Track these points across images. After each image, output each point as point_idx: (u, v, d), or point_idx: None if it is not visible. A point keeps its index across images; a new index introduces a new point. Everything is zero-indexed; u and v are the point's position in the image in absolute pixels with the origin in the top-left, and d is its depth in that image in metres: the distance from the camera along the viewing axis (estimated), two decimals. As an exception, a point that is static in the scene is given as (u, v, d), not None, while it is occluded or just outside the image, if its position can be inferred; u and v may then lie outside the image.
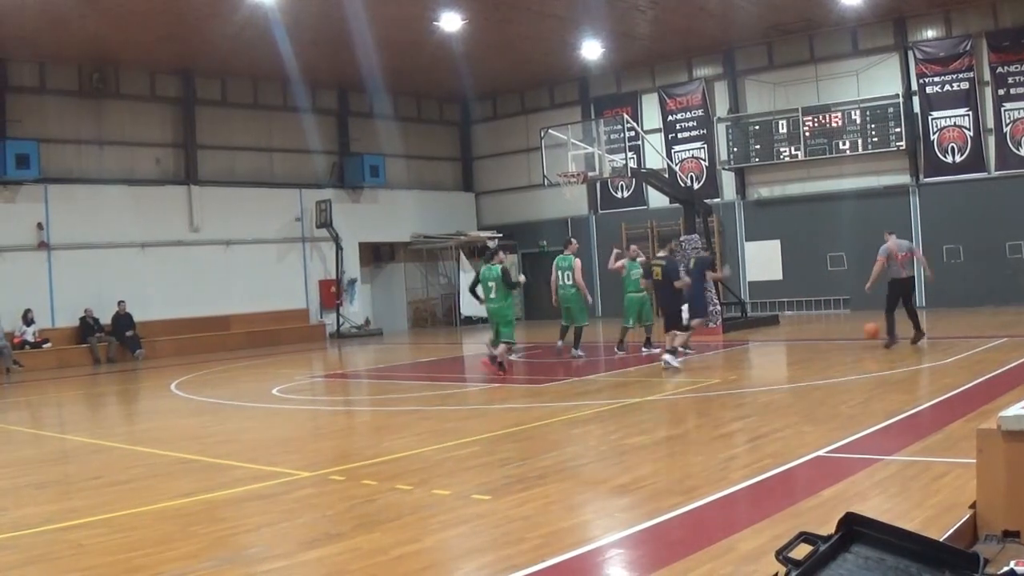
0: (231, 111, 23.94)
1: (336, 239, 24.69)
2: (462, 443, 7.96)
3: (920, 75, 20.94)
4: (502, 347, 13.12)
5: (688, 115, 24.52)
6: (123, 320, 20.58)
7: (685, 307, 12.84)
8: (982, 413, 7.41)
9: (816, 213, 22.29)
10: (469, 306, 26.46)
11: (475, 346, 19.67)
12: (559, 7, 19.32)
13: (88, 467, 7.99)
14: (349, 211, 25.43)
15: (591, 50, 22.86)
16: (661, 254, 13.12)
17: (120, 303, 20.48)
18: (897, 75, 21.33)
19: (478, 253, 28.30)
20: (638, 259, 15.46)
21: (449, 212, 28.25)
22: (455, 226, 27.84)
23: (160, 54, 20.97)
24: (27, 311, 19.42)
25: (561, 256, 15.21)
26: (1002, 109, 20.07)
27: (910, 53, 21.11)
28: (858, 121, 21.45)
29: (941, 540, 2.66)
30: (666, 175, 22.50)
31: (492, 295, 13.16)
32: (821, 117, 21.95)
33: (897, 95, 21.12)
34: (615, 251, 16.57)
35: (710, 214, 21.26)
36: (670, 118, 24.77)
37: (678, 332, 12.83)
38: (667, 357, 12.40)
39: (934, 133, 20.92)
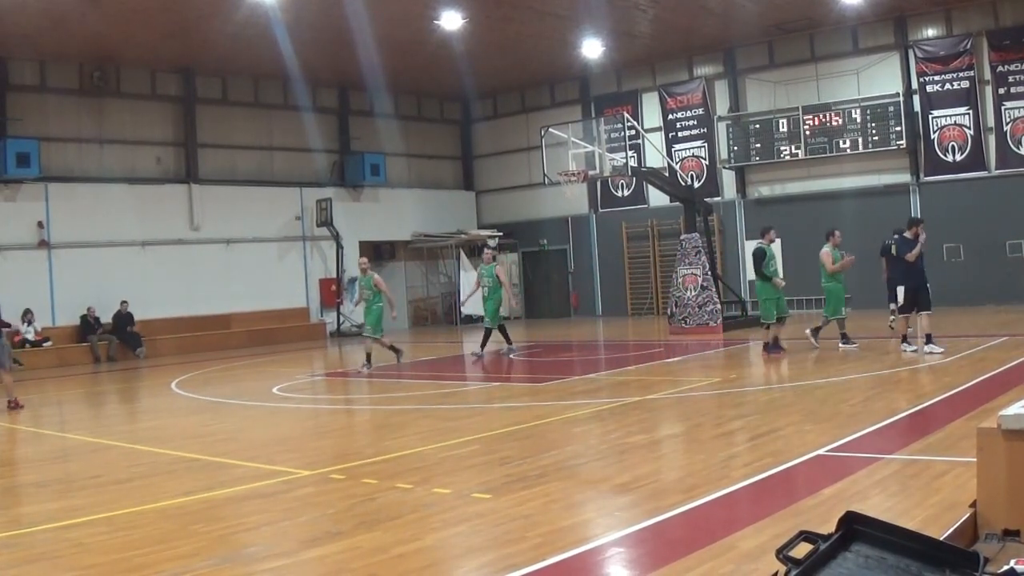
0: (232, 109, 23.94)
1: (336, 238, 24.69)
2: (462, 442, 7.96)
3: (920, 74, 20.93)
4: (772, 329, 13.69)
5: (688, 114, 24.51)
6: (125, 319, 20.60)
7: (901, 289, 12.61)
8: (983, 412, 7.42)
9: (816, 212, 22.23)
10: (470, 305, 26.48)
11: (475, 345, 19.64)
12: (560, 6, 19.30)
13: (89, 465, 8.00)
14: (349, 210, 25.43)
15: (591, 49, 22.85)
16: (907, 234, 12.67)
17: (123, 303, 20.50)
18: (897, 74, 21.32)
19: (478, 252, 28.34)
20: None
21: (449, 211, 28.25)
22: (455, 225, 27.84)
23: (161, 52, 20.96)
24: (26, 311, 19.40)
25: (483, 265, 16.29)
26: (1002, 108, 20.05)
27: (910, 52, 21.09)
28: (858, 120, 21.44)
29: (941, 539, 2.66)
30: (666, 174, 22.51)
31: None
32: (821, 116, 21.94)
33: (897, 94, 21.11)
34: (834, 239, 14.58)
35: (710, 213, 21.26)
36: (670, 117, 24.76)
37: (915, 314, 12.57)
38: (927, 347, 12.19)
39: (934, 132, 20.91)
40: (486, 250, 17.30)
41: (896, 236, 13.24)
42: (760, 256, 13.76)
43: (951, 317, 17.96)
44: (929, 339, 12.35)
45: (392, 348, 15.33)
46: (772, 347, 13.60)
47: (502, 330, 16.00)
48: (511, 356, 15.77)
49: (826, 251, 14.21)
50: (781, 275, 14.26)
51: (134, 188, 21.65)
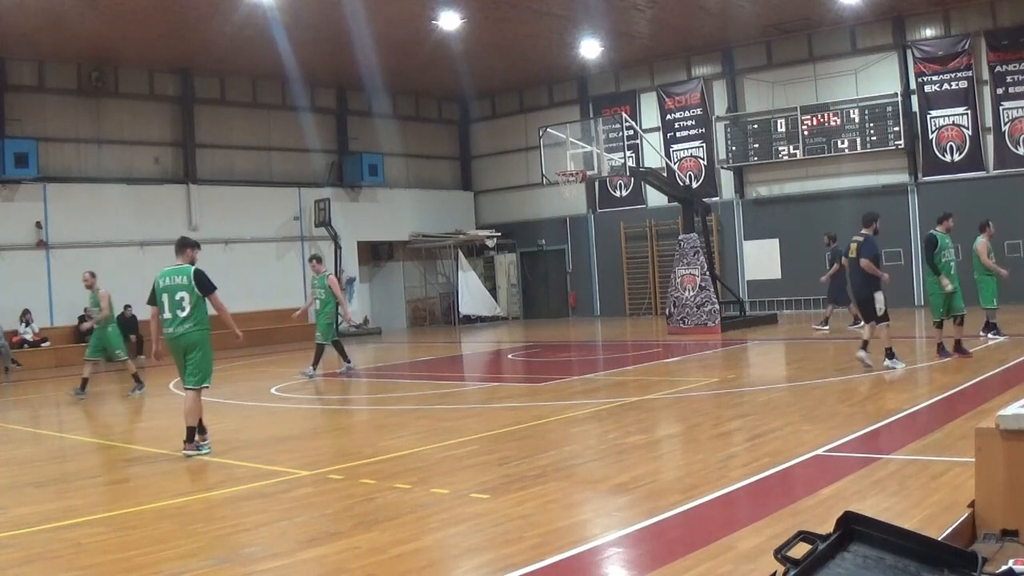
0: (230, 110, 23.93)
1: (335, 238, 24.69)
2: (460, 442, 7.96)
3: (919, 74, 20.94)
4: (945, 328, 12.03)
5: (687, 114, 24.52)
6: (127, 323, 20.51)
7: (880, 295, 10.99)
8: (981, 412, 7.42)
9: (815, 212, 22.27)
10: (468, 305, 26.51)
11: (473, 345, 19.65)
12: (558, 6, 19.31)
13: (87, 466, 7.99)
14: (348, 210, 25.42)
15: (590, 49, 22.87)
16: (864, 231, 11.19)
17: (126, 307, 20.41)
18: (896, 74, 21.33)
19: (476, 252, 28.35)
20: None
21: (448, 211, 28.25)
22: (454, 225, 27.84)
23: (159, 53, 20.95)
24: (25, 312, 19.38)
25: (315, 276, 14.91)
26: (1000, 108, 20.07)
27: (909, 52, 21.11)
28: (857, 120, 21.46)
29: (940, 539, 2.66)
30: (665, 174, 22.50)
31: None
32: (820, 116, 21.95)
33: (896, 94, 21.12)
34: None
35: (708, 213, 21.26)
36: (669, 117, 24.77)
37: (878, 324, 11.02)
38: (887, 362, 10.87)
39: (933, 132, 20.93)
40: (314, 260, 15.24)
41: (862, 235, 11.17)
42: (931, 244, 12.01)
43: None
44: (891, 353, 11.09)
45: (136, 377, 13.72)
46: (943, 350, 11.79)
47: (337, 347, 14.73)
48: (349, 375, 14.46)
49: (983, 243, 13.75)
50: (954, 269, 12.07)
51: (132, 188, 21.63)
